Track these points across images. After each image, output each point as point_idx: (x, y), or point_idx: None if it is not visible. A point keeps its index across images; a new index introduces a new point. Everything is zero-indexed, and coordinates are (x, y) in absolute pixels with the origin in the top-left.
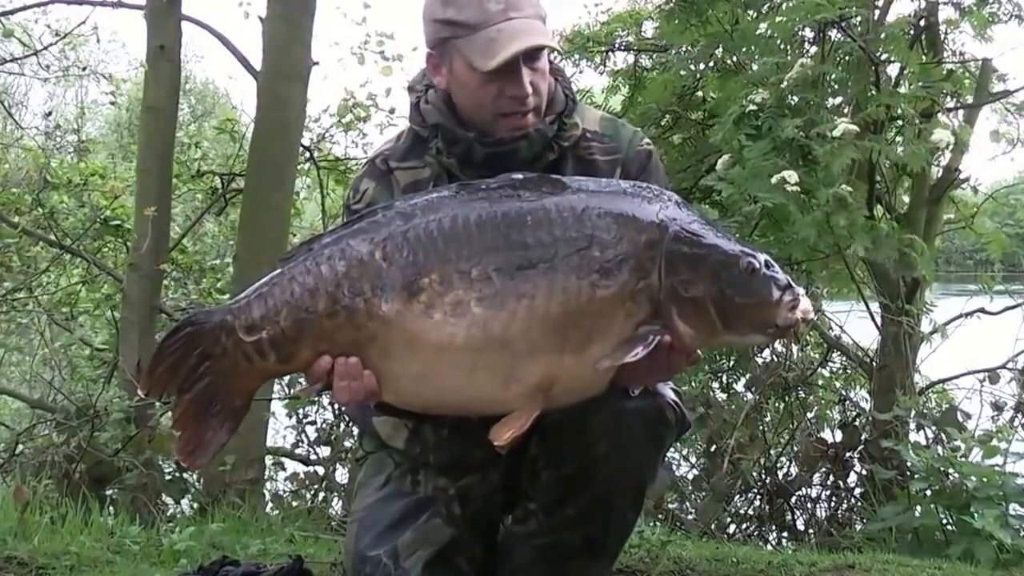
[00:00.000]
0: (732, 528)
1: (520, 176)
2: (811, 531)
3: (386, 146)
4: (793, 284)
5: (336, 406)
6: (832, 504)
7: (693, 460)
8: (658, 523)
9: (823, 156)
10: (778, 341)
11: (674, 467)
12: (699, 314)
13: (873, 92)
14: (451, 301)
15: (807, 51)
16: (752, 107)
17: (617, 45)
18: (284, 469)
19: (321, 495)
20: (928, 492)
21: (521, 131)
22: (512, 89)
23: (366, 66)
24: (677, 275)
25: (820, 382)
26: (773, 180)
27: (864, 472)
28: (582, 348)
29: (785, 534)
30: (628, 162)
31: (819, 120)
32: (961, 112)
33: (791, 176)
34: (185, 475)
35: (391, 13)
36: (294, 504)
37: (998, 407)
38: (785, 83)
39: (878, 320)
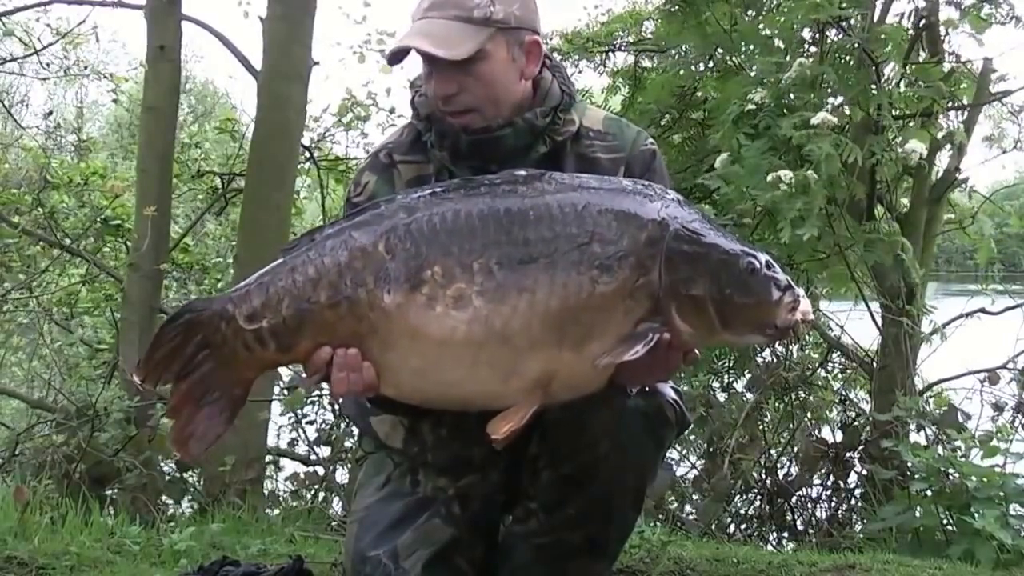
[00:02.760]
0: (732, 528)
1: (523, 172)
2: (811, 531)
3: (390, 139)
4: (793, 285)
5: (336, 406)
6: (832, 504)
7: (693, 460)
8: (658, 523)
9: (797, 140)
10: (778, 342)
11: (674, 467)
12: (698, 313)
13: (874, 92)
14: (453, 294)
15: (806, 51)
16: (751, 106)
17: (617, 45)
18: (283, 469)
19: (321, 495)
20: (928, 492)
21: (465, 127)
22: (431, 87)
23: (367, 65)
24: (677, 273)
25: (820, 382)
26: (768, 178)
27: (864, 472)
28: (581, 344)
29: (785, 534)
30: (632, 161)
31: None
32: (959, 113)
33: (787, 175)
34: (185, 475)
35: (392, 12)
36: (294, 504)
37: (998, 407)
38: (784, 83)
39: (878, 320)
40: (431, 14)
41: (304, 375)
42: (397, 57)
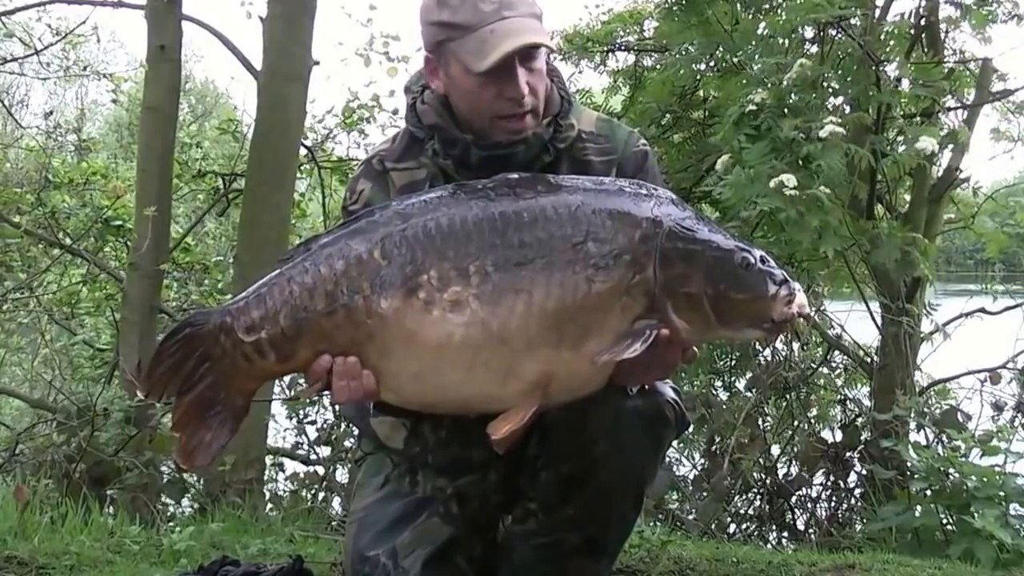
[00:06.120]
0: (732, 528)
1: (516, 176)
2: (811, 531)
3: (382, 147)
4: (789, 279)
5: (335, 406)
6: (832, 504)
7: (693, 460)
8: (658, 523)
9: (808, 153)
10: (777, 337)
11: (674, 467)
12: (694, 308)
13: (874, 92)
14: (449, 298)
15: (807, 51)
16: (752, 107)
17: (617, 45)
18: (284, 469)
19: (321, 495)
20: (928, 492)
21: (519, 135)
22: (509, 90)
23: (370, 67)
24: (672, 269)
25: (821, 381)
26: (771, 183)
27: (864, 472)
28: (579, 343)
29: (785, 534)
30: (624, 163)
31: (818, 121)
32: (960, 112)
33: (789, 180)
34: (185, 475)
35: (397, 14)
36: (294, 504)
37: (998, 407)
38: (785, 83)
39: (878, 320)
40: (510, 13)
41: (304, 384)
42: (507, 61)
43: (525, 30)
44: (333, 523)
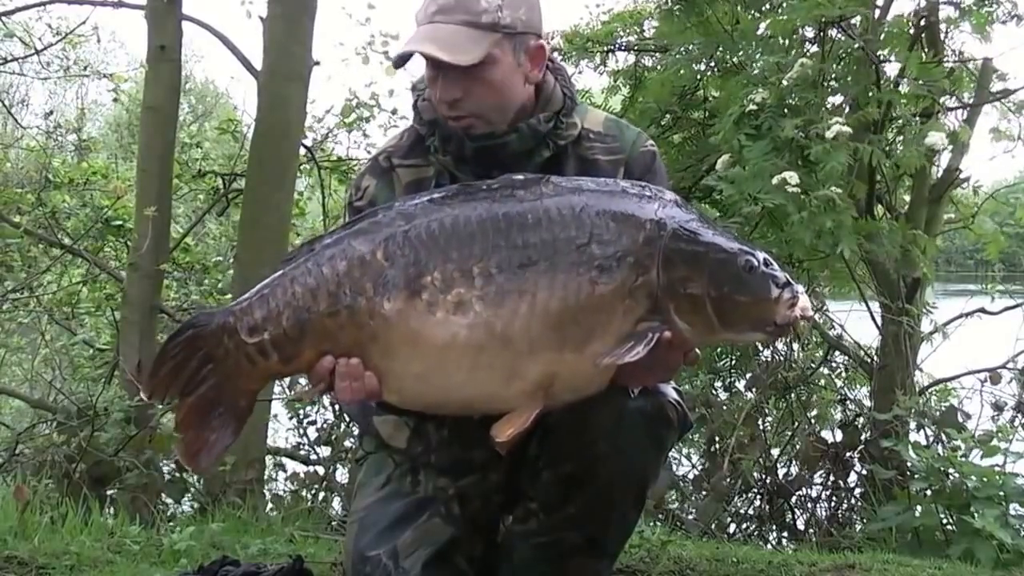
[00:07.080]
0: (732, 528)
1: (520, 177)
2: (811, 531)
3: (390, 143)
4: (792, 282)
5: (336, 406)
6: (832, 504)
7: (693, 460)
8: (658, 523)
9: (816, 155)
10: (779, 339)
11: (674, 467)
12: (696, 311)
13: (874, 91)
14: (453, 299)
15: (807, 50)
16: (752, 107)
17: (617, 45)
18: (284, 469)
19: (321, 495)
20: (928, 492)
21: (471, 132)
22: (436, 91)
23: (370, 66)
24: (675, 272)
25: (821, 381)
26: (774, 181)
27: (864, 472)
28: (582, 345)
29: (785, 534)
30: (631, 163)
31: (819, 120)
32: (960, 112)
33: (792, 177)
34: (185, 475)
35: (396, 14)
36: (294, 504)
37: (998, 407)
38: (785, 82)
39: (878, 320)
40: (438, 18)
41: (307, 385)
42: (403, 60)
43: (439, 39)
44: (333, 523)
